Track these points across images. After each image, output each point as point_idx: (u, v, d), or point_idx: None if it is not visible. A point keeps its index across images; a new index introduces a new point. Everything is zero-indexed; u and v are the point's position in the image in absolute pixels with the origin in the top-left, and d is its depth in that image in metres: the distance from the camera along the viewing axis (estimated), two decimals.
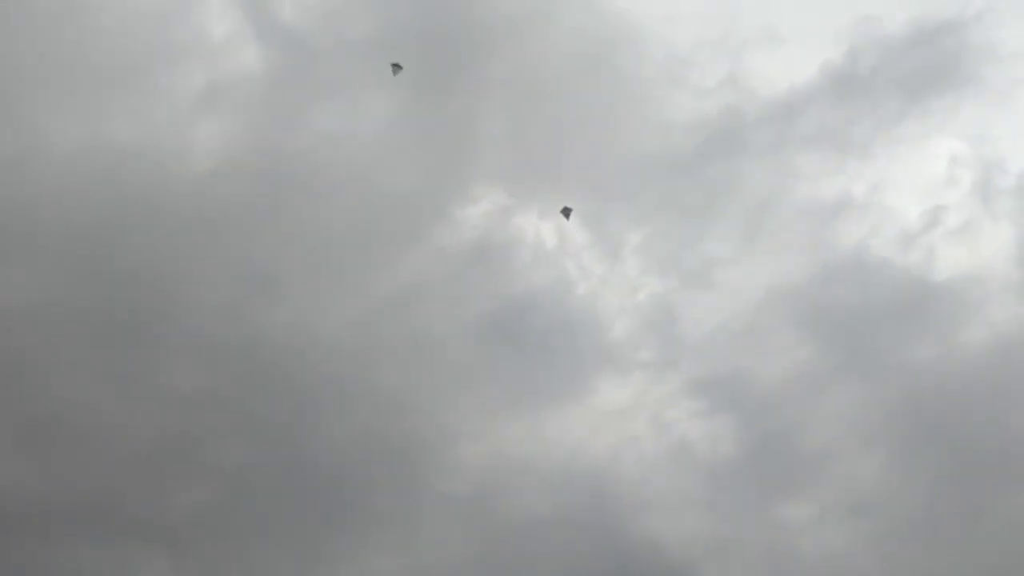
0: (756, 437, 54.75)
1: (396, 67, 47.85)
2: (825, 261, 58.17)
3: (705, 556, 51.89)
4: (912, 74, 61.34)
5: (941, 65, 61.18)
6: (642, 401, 56.14)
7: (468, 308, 56.04)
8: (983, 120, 61.47)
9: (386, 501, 52.15)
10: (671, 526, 52.66)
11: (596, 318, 57.60)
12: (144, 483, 50.36)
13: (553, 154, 59.30)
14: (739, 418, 55.43)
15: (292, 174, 55.53)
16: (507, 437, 54.41)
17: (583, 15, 60.90)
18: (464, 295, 56.10)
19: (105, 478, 49.93)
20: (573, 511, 52.64)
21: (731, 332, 57.15)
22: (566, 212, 49.42)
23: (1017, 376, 54.74)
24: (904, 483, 52.96)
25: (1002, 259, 57.94)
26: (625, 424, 55.51)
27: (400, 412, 53.21)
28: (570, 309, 57.44)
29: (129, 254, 51.51)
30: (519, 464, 53.61)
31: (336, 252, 54.70)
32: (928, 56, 61.32)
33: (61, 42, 54.08)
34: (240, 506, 50.79)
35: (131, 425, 50.77)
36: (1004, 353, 55.34)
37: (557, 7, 60.70)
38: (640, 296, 58.41)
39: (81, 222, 51.19)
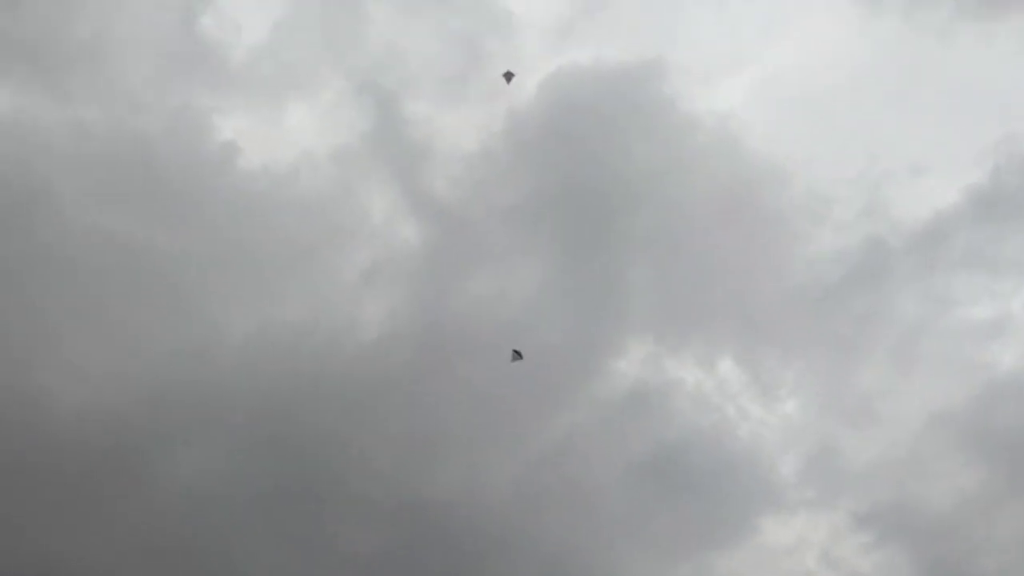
0: (928, 566, 54.07)
1: (516, 354, 50.29)
2: (986, 382, 57.64)
3: None
4: None
5: None
6: (809, 538, 56.37)
7: (626, 455, 57.51)
8: None
9: None
10: None
11: (757, 458, 58.35)
12: None
13: (701, 298, 61.00)
14: (909, 548, 54.90)
15: (451, 338, 58.55)
16: None
17: (722, 160, 63.41)
18: (621, 443, 57.61)
19: None
20: None
21: (894, 461, 56.86)
22: (507, 76, 50.09)
23: None
24: None
25: None
26: (794, 562, 55.76)
27: (565, 561, 54.40)
28: (729, 451, 58.37)
29: (303, 427, 55.02)
30: None
31: (495, 410, 56.89)
32: None
33: (236, 237, 59.24)
34: None
35: None
36: None
37: (697, 155, 63.28)
38: (800, 434, 58.95)
39: (258, 401, 55.15)
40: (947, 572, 53.51)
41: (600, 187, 61.87)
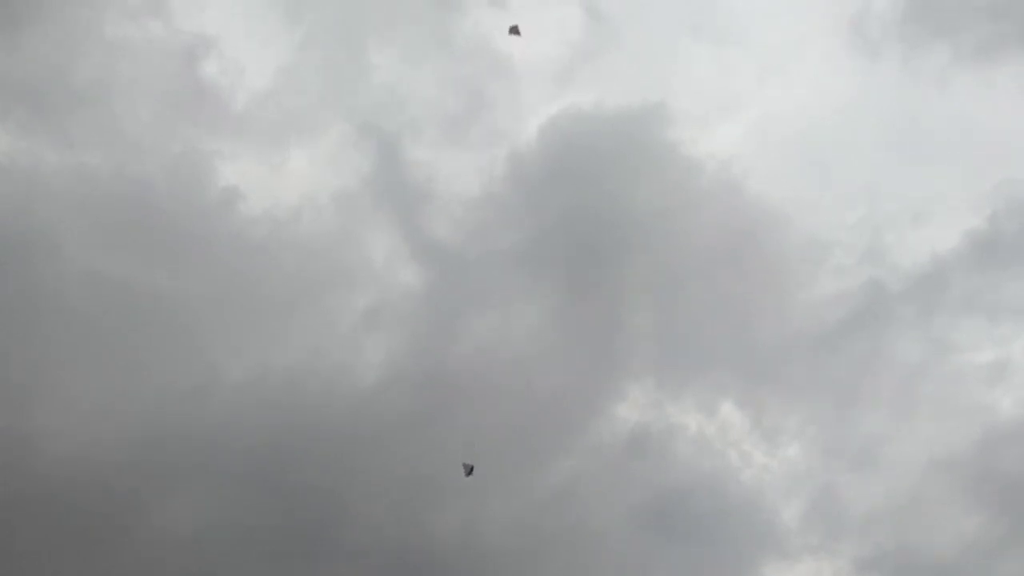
0: None
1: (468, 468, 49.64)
2: (986, 427, 57.64)
3: None
4: None
5: None
6: None
7: (628, 500, 57.25)
8: None
9: None
10: None
11: (759, 503, 58.12)
12: None
13: (702, 342, 61.00)
14: None
15: (452, 381, 58.33)
16: None
17: (723, 205, 63.79)
18: (623, 488, 57.33)
19: None
20: None
21: (896, 506, 56.78)
22: (514, 30, 49.64)
23: None
24: None
25: None
26: None
27: None
28: (731, 496, 58.12)
29: (301, 470, 54.48)
30: None
31: (496, 454, 56.37)
32: None
33: (236, 280, 59.12)
34: None
35: None
36: None
37: (698, 199, 63.60)
38: (802, 479, 58.64)
39: (256, 444, 54.59)
40: None
41: (601, 230, 62.07)
